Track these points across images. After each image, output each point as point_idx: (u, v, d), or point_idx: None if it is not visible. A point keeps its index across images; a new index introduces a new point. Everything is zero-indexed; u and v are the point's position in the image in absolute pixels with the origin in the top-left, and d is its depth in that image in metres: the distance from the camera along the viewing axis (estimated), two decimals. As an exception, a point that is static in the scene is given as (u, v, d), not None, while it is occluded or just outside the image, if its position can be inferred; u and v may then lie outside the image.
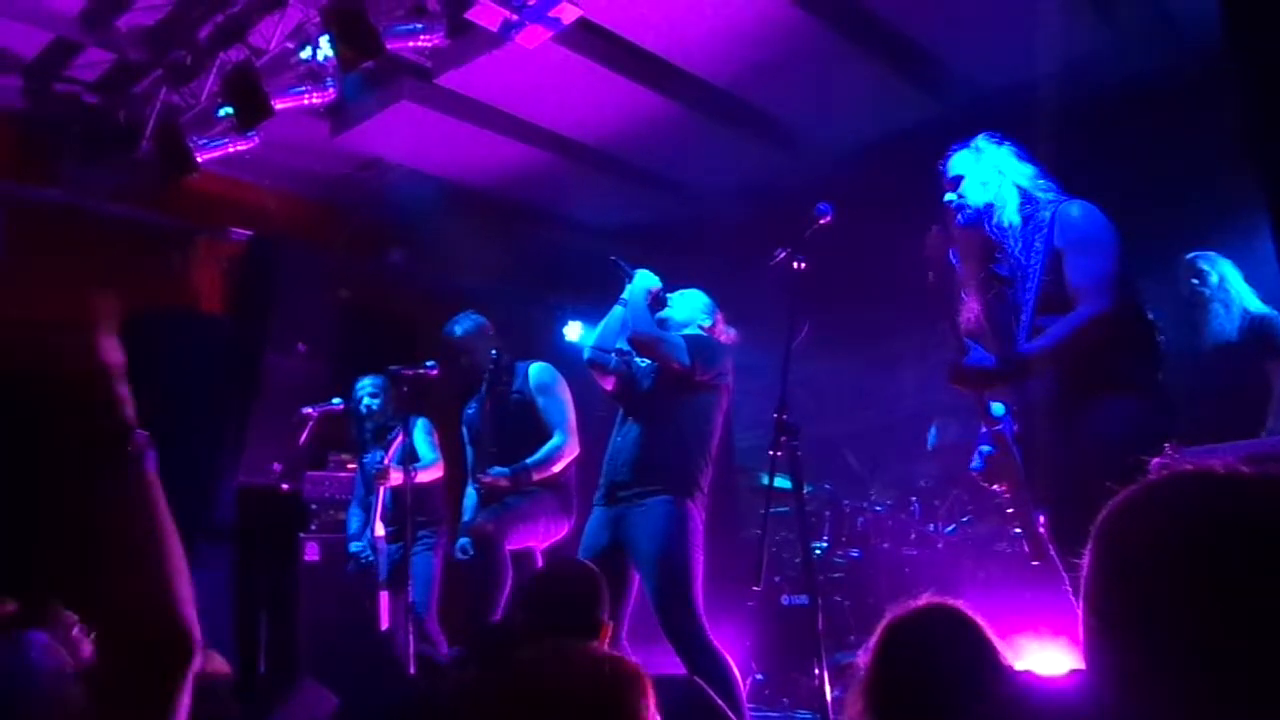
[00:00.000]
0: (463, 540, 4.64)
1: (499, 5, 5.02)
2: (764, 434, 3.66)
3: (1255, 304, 4.63)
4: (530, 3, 5.02)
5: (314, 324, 7.20)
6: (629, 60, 6.11)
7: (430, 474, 5.63)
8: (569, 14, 5.11)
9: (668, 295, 4.43)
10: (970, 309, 3.32)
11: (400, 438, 5.34)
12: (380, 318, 7.66)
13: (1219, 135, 4.68)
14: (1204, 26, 4.53)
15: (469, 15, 5.15)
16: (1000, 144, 3.32)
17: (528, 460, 4.72)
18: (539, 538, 4.79)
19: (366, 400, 5.82)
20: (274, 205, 7.51)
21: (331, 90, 5.70)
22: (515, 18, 5.09)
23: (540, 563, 4.81)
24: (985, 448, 3.29)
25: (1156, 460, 2.62)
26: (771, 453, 3.50)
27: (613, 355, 4.42)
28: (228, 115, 5.77)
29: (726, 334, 4.49)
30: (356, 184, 7.43)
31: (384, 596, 5.64)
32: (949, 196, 3.28)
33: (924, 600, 1.94)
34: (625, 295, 4.37)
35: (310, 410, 6.06)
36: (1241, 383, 4.41)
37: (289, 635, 6.01)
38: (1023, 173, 3.28)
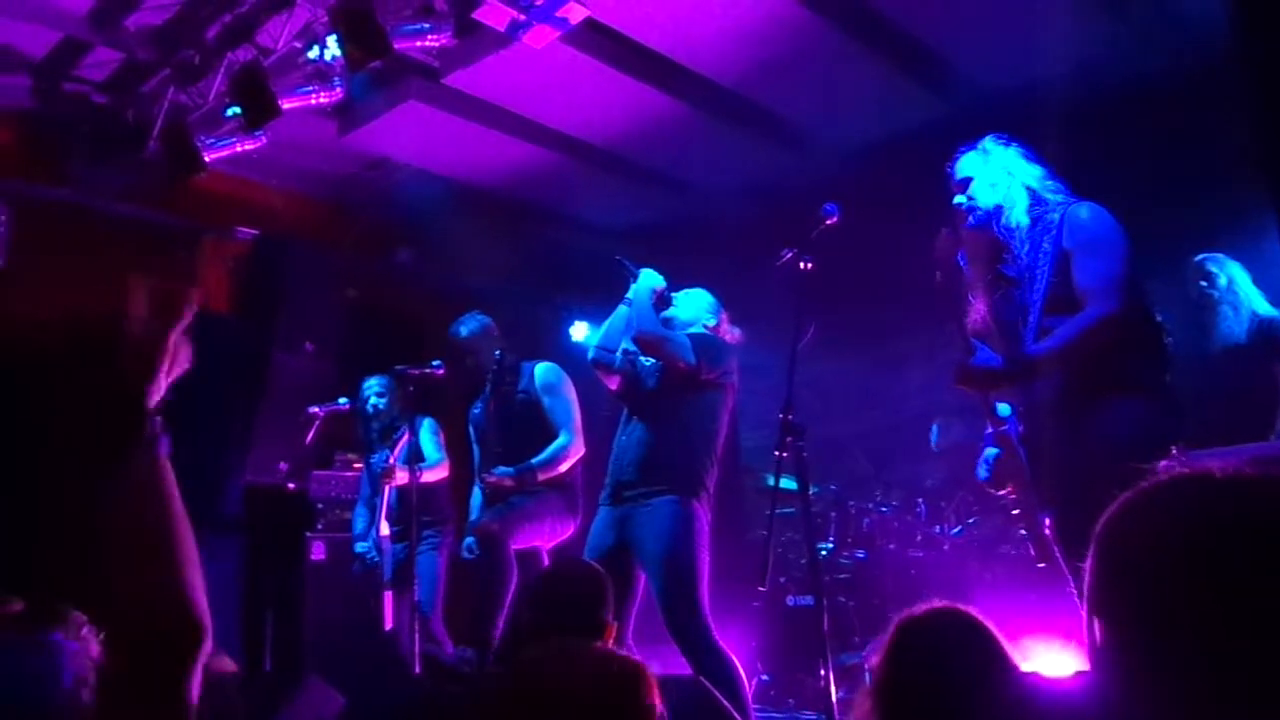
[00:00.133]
0: (468, 539, 4.65)
1: (506, 5, 5.02)
2: (770, 434, 3.66)
3: (1264, 306, 4.62)
4: (537, 3, 5.03)
5: (321, 323, 7.22)
6: (636, 60, 6.11)
7: (436, 473, 5.63)
8: (576, 14, 5.11)
9: (672, 294, 4.43)
10: (977, 310, 3.31)
11: (406, 437, 5.35)
12: (387, 317, 7.67)
13: (1227, 136, 4.67)
14: (1212, 27, 4.51)
15: (476, 15, 5.16)
16: (1008, 145, 3.31)
17: (533, 460, 4.73)
18: (544, 537, 4.79)
19: (373, 400, 5.83)
20: (281, 205, 7.52)
21: (339, 90, 5.71)
22: (522, 18, 5.09)
23: (547, 563, 4.82)
24: (991, 450, 3.28)
25: (1164, 463, 2.62)
26: (777, 453, 3.49)
27: (617, 354, 4.42)
28: (235, 115, 5.78)
29: (731, 333, 4.48)
30: (364, 184, 7.44)
31: (388, 596, 5.65)
32: (958, 199, 3.28)
33: (934, 604, 1.94)
34: (630, 295, 4.37)
35: (317, 409, 6.07)
36: (1250, 385, 4.40)
37: (295, 634, 6.02)
38: (1031, 173, 3.27)
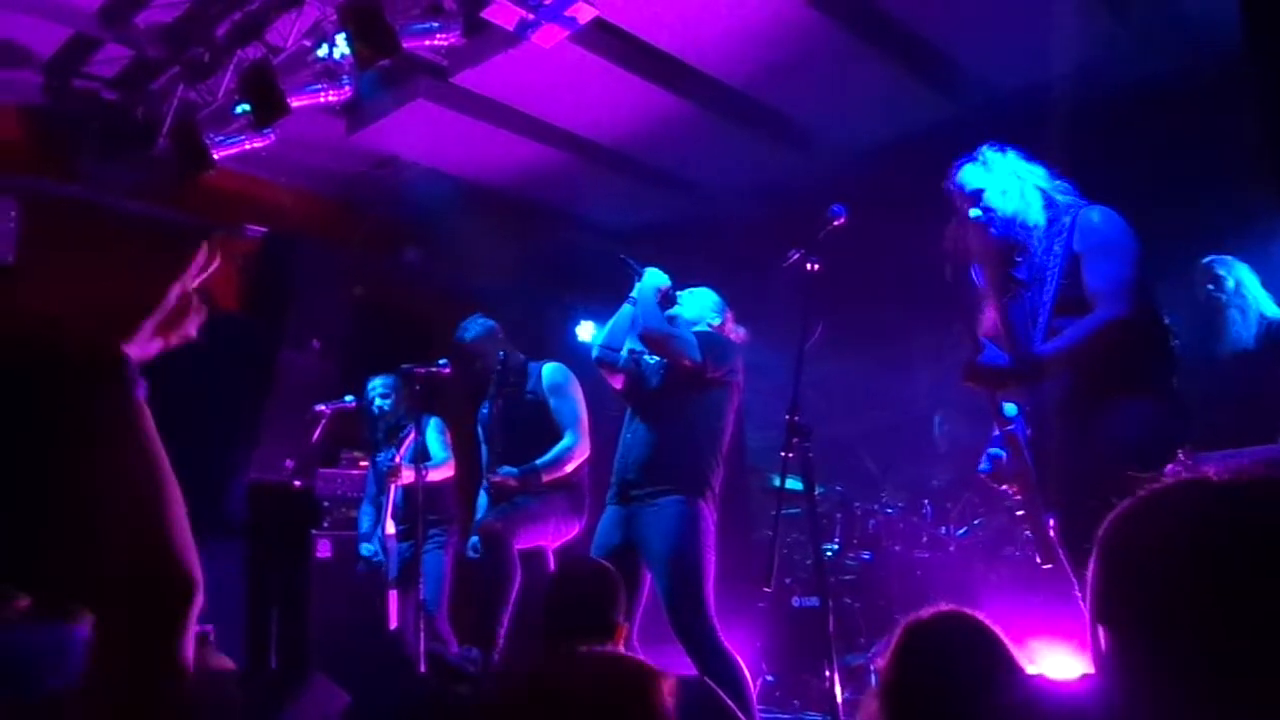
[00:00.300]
0: (473, 539, 4.66)
1: (515, 4, 5.03)
2: (776, 434, 3.66)
3: (1272, 308, 4.60)
4: (546, 2, 5.03)
5: (329, 321, 7.24)
6: (644, 60, 6.11)
7: (442, 473, 5.64)
8: (585, 13, 5.12)
9: (677, 293, 4.43)
10: (989, 316, 3.31)
11: (412, 436, 5.36)
12: (395, 315, 7.68)
13: (1236, 137, 4.66)
14: (1220, 28, 4.50)
15: (485, 14, 5.16)
16: (1004, 151, 3.31)
17: (537, 461, 4.73)
18: (549, 537, 4.80)
19: (378, 401, 5.84)
20: (290, 203, 7.54)
21: (348, 88, 5.72)
22: (531, 17, 5.10)
23: (552, 563, 4.82)
24: (995, 450, 3.28)
25: (1170, 466, 2.62)
26: (783, 454, 3.50)
27: (621, 353, 4.42)
28: (245, 112, 5.79)
29: (736, 332, 4.49)
30: (372, 182, 7.45)
31: (393, 595, 5.65)
32: (973, 212, 3.26)
33: (940, 607, 1.95)
34: (635, 293, 4.37)
35: (323, 407, 6.09)
36: (1258, 390, 4.38)
37: (300, 632, 6.04)
38: (1037, 175, 3.28)
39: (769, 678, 5.83)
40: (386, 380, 5.85)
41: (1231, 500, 1.00)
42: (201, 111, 6.05)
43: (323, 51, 5.54)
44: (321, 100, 5.75)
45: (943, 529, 6.21)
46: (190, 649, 1.14)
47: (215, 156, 6.00)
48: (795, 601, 6.06)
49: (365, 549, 5.81)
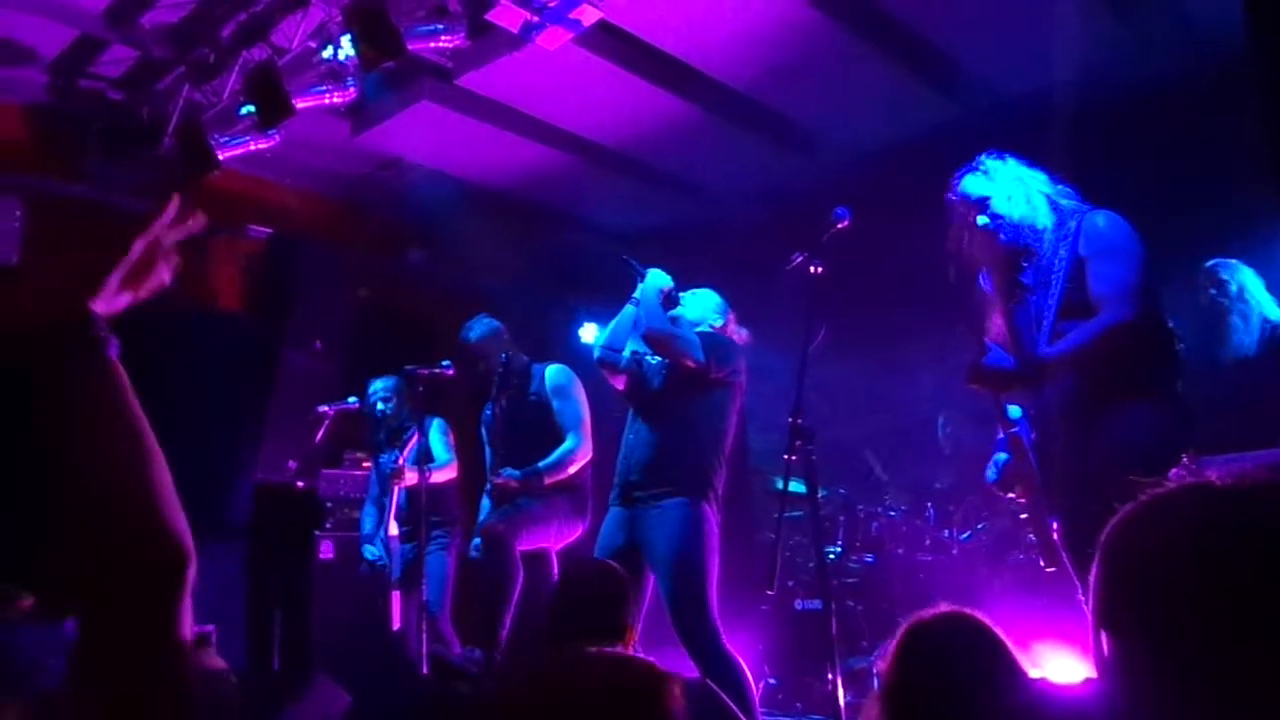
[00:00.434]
0: (475, 540, 4.66)
1: (519, 7, 5.03)
2: (779, 437, 3.65)
3: (1275, 312, 4.59)
4: (551, 4, 5.03)
5: (332, 323, 7.25)
6: (648, 63, 6.12)
7: (445, 474, 5.64)
8: (589, 16, 5.12)
9: (679, 294, 4.43)
10: (995, 322, 3.31)
11: (415, 438, 5.36)
12: (398, 317, 7.68)
13: (1239, 139, 4.65)
14: (1223, 30, 4.50)
15: (490, 16, 5.16)
16: (1004, 159, 3.31)
17: (539, 464, 4.73)
18: (552, 539, 4.79)
19: (379, 405, 5.83)
20: (294, 204, 7.55)
21: (352, 90, 5.73)
22: (536, 19, 5.10)
23: (555, 565, 4.82)
24: (1000, 455, 3.28)
25: (1175, 471, 2.62)
26: (786, 457, 3.49)
27: (624, 354, 4.42)
28: (249, 113, 5.80)
29: (738, 333, 4.48)
30: (376, 183, 7.46)
31: (396, 596, 5.65)
32: (981, 219, 3.25)
33: (942, 608, 1.94)
34: (637, 294, 4.37)
35: (326, 408, 6.09)
36: (1260, 397, 4.37)
37: (302, 632, 6.04)
38: (1039, 180, 3.28)
39: (771, 680, 5.83)
40: (387, 383, 5.85)
41: (1234, 505, 1.00)
42: (206, 112, 6.06)
43: (328, 53, 5.55)
44: (326, 101, 5.75)
45: (946, 532, 6.21)
46: (189, 624, 1.08)
47: (220, 157, 6.01)
48: (798, 604, 6.06)
49: (369, 551, 5.80)
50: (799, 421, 3.48)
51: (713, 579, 3.94)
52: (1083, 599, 2.66)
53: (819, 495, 3.65)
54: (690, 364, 4.13)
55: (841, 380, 6.39)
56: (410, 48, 5.16)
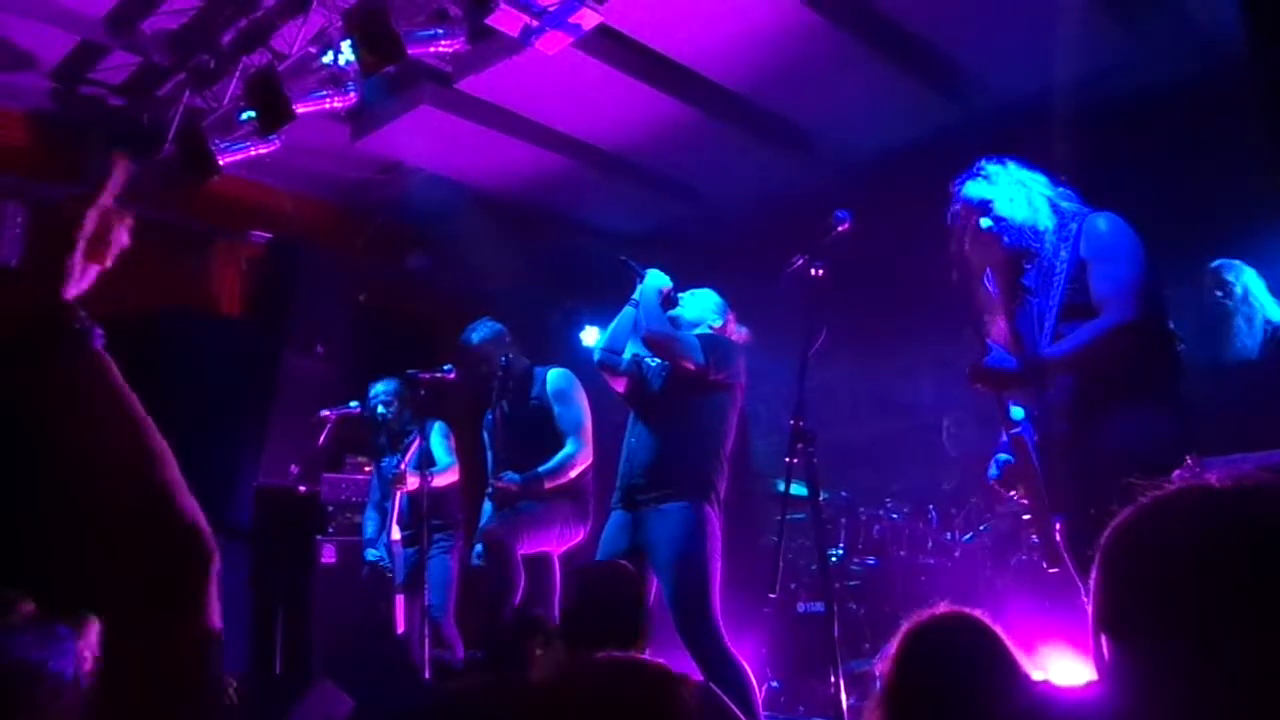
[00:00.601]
0: (477, 546, 4.65)
1: (519, 11, 5.03)
2: (780, 440, 3.65)
3: (1278, 314, 4.59)
4: (550, 8, 5.04)
5: (333, 327, 7.25)
6: (648, 66, 6.12)
7: (446, 478, 5.64)
8: (589, 20, 5.12)
9: (678, 295, 4.43)
10: (998, 324, 3.31)
11: (417, 442, 5.36)
12: (399, 321, 7.69)
13: (1241, 142, 4.65)
14: (1227, 33, 4.50)
15: (489, 21, 5.16)
16: (1004, 163, 3.31)
17: (539, 469, 4.72)
18: (554, 543, 4.78)
19: (380, 409, 5.83)
20: (294, 208, 7.56)
21: (353, 94, 5.73)
22: (535, 23, 5.10)
23: (557, 569, 4.81)
24: (1003, 456, 3.28)
25: (1178, 472, 2.61)
26: (788, 459, 3.49)
27: (624, 357, 4.41)
28: (250, 119, 5.81)
29: (738, 333, 4.48)
30: (376, 188, 7.47)
31: (399, 600, 5.65)
32: (985, 222, 3.25)
33: (943, 609, 1.93)
34: (636, 295, 4.36)
35: (328, 413, 6.09)
36: (1263, 398, 4.37)
37: (305, 636, 6.03)
38: (1041, 182, 3.28)
39: (774, 683, 5.82)
40: (388, 388, 5.85)
41: (1234, 506, 0.99)
42: (207, 118, 6.06)
43: (328, 58, 5.55)
44: (326, 106, 5.76)
45: (948, 534, 6.20)
46: (218, 614, 1.04)
47: (221, 162, 6.01)
48: (800, 607, 6.06)
49: (371, 554, 5.81)
50: (800, 424, 3.48)
51: (715, 581, 3.93)
52: (1085, 600, 2.65)
53: (821, 498, 3.65)
54: (690, 366, 4.13)
55: (843, 382, 6.39)
56: (410, 52, 5.17)
